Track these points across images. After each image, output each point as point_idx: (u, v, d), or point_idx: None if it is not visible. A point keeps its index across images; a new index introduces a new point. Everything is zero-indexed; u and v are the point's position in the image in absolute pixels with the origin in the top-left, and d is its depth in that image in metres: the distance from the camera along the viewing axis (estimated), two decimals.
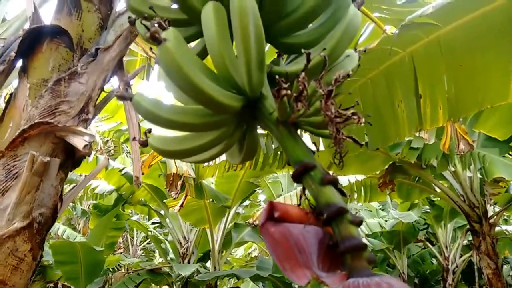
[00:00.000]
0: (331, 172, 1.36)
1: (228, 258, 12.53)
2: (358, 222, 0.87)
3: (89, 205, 12.12)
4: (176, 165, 6.02)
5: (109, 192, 9.25)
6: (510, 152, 7.82)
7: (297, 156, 1.04)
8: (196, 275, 8.01)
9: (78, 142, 1.86)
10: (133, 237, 14.53)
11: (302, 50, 1.00)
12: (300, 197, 1.04)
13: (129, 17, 1.54)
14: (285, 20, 1.24)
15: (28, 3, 2.29)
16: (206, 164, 5.93)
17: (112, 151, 11.89)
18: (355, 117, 1.00)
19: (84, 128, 1.97)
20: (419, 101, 2.49)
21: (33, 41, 2.07)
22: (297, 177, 1.03)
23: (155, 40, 0.97)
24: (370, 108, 2.68)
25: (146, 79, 5.74)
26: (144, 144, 1.26)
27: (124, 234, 14.12)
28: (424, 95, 2.50)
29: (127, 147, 11.71)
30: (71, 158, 2.08)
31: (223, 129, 1.17)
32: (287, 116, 1.04)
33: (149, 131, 1.28)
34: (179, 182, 6.72)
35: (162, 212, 10.00)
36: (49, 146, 1.97)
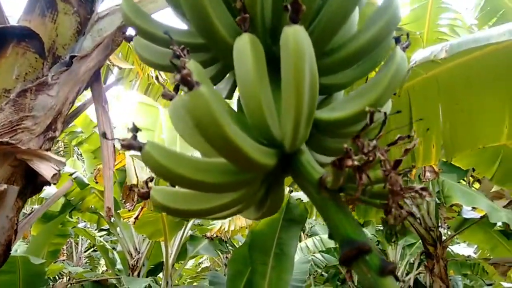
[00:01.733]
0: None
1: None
2: None
3: (32, 208, 11.24)
4: (137, 176, 5.63)
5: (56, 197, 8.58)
6: (465, 178, 8.13)
7: (347, 233, 0.85)
8: None
9: (45, 170, 1.55)
10: (77, 244, 13.66)
11: (366, 109, 0.81)
12: None
13: (123, 32, 1.28)
14: (327, 58, 1.05)
15: None
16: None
17: (61, 153, 11.11)
18: (424, 193, 0.83)
19: (51, 152, 1.66)
20: (412, 138, 2.40)
21: None
22: (347, 262, 0.84)
23: (186, 84, 0.74)
24: None
25: (104, 83, 5.37)
26: (144, 196, 1.02)
27: (68, 240, 13.28)
28: (418, 131, 2.41)
29: (78, 149, 11.02)
30: (32, 183, 1.76)
31: (249, 188, 0.96)
32: (341, 185, 0.85)
33: (151, 179, 1.04)
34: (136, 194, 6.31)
35: (112, 220, 9.43)
36: (7, 170, 1.65)
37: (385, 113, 0.87)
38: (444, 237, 7.78)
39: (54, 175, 1.53)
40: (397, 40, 1.10)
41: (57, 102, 1.79)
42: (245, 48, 0.89)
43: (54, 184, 1.65)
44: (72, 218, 10.05)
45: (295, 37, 0.76)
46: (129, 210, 6.80)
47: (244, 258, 7.01)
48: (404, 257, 11.74)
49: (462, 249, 12.10)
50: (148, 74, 4.91)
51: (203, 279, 13.26)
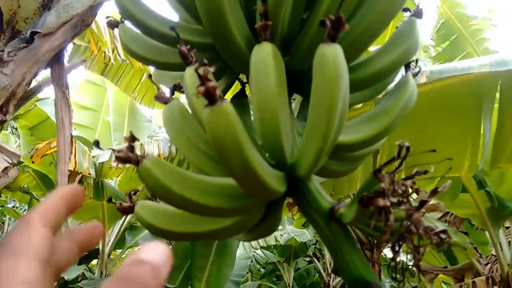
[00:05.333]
0: None
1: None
2: None
3: None
4: (75, 162, 5.26)
5: None
6: None
7: (360, 273, 0.79)
8: (80, 280, 7.17)
9: None
10: (3, 223, 12.69)
11: (397, 143, 0.75)
12: None
13: (107, 16, 1.16)
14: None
15: None
16: (113, 165, 5.32)
17: None
18: (444, 235, 0.79)
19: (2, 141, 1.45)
20: (375, 159, 2.42)
21: None
22: None
23: (209, 97, 0.63)
24: None
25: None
26: (126, 211, 0.89)
27: None
28: (382, 155, 2.43)
29: (14, 122, 10.22)
30: None
31: (252, 213, 0.87)
32: (360, 221, 0.78)
33: (134, 192, 0.91)
34: (76, 179, 5.94)
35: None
36: None
37: (408, 147, 0.82)
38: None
39: (6, 168, 1.34)
40: (407, 66, 1.06)
41: (12, 82, 1.57)
42: (266, 59, 0.80)
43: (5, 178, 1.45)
44: (0, 196, 9.31)
45: (334, 61, 0.68)
46: None
47: (184, 251, 6.86)
48: None
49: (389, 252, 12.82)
50: (104, 53, 4.59)
51: None
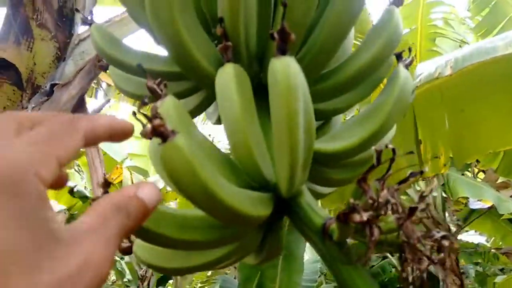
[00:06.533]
0: None
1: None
2: None
3: None
4: None
5: (57, 212, 8.51)
6: (469, 169, 7.98)
7: None
8: None
9: None
10: None
11: (373, 148, 0.69)
12: None
13: (99, 61, 1.18)
14: (323, 83, 0.93)
15: None
16: (169, 189, 5.50)
17: None
18: (445, 241, 0.72)
19: None
20: (419, 148, 2.29)
21: None
22: None
23: (159, 135, 0.63)
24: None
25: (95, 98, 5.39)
26: (126, 252, 0.91)
27: None
28: (425, 141, 2.29)
29: (77, 161, 10.95)
30: None
31: (244, 239, 0.85)
32: (346, 237, 0.73)
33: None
34: None
35: None
36: None
37: (393, 149, 0.75)
38: (453, 229, 7.64)
39: None
40: (399, 56, 0.98)
41: None
42: (228, 82, 0.78)
43: None
44: None
45: (285, 74, 0.65)
46: None
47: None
48: None
49: (471, 237, 11.94)
50: None
51: (214, 283, 13.16)
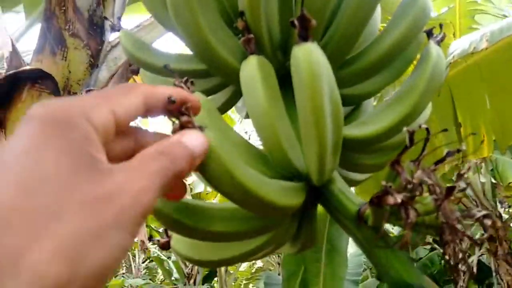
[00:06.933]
0: None
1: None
2: None
3: None
4: None
5: None
6: None
7: (399, 274, 0.72)
8: None
9: None
10: (134, 256, 14.07)
11: (404, 129, 0.67)
12: None
13: (130, 65, 1.20)
14: (349, 68, 0.91)
15: (4, 39, 1.94)
16: (210, 190, 5.59)
17: None
18: (487, 220, 0.69)
19: None
20: (459, 131, 2.19)
21: (10, 88, 1.72)
22: None
23: None
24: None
25: None
26: (164, 247, 0.93)
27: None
28: (465, 124, 2.19)
29: None
30: None
31: (278, 229, 0.85)
32: (381, 221, 0.72)
33: None
34: None
35: (161, 230, 9.61)
36: None
37: (427, 129, 0.73)
38: (505, 216, 7.30)
39: None
40: (429, 33, 0.94)
41: None
42: (253, 75, 0.78)
43: None
44: None
45: (307, 60, 0.64)
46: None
47: (296, 258, 6.91)
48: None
49: None
50: None
51: (258, 280, 13.26)
